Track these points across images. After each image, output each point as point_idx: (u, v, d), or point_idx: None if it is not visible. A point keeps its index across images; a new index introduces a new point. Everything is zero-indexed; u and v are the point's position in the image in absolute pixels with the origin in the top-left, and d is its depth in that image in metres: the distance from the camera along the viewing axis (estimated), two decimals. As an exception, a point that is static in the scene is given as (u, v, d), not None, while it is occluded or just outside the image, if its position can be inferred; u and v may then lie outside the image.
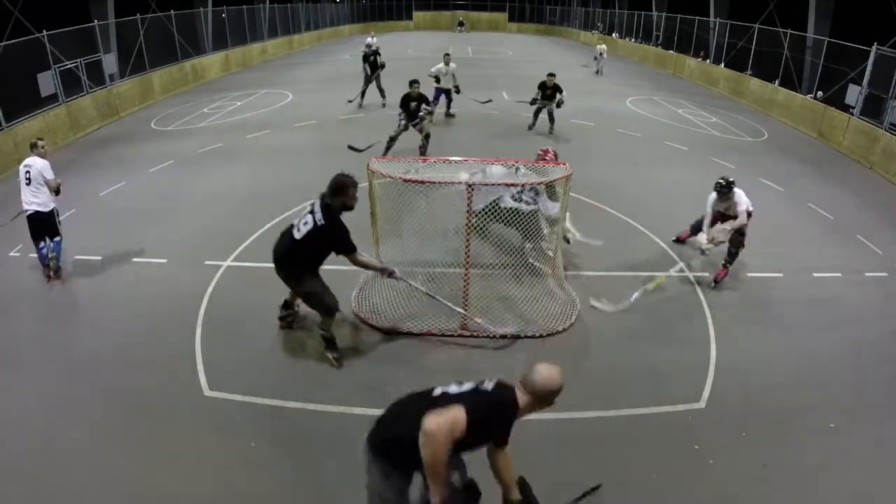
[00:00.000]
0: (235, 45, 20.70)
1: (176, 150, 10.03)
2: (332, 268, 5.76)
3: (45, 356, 4.60)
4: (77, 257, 6.20)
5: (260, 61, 22.13)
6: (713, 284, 5.78)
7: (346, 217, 4.19)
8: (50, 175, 5.65)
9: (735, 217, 5.68)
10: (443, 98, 11.76)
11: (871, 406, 4.29)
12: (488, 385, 2.53)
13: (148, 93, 14.34)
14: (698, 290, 5.79)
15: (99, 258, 6.18)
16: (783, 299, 5.71)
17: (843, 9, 15.63)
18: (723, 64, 18.84)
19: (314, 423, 3.93)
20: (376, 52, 13.01)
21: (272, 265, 4.36)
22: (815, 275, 6.20)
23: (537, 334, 4.86)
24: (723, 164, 9.79)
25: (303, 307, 4.82)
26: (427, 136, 9.07)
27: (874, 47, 11.52)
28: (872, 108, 11.75)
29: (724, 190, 5.65)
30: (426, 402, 2.44)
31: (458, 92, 11.86)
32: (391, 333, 4.85)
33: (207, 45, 19.33)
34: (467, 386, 2.54)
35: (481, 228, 5.25)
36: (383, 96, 13.04)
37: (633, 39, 27.61)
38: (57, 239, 5.80)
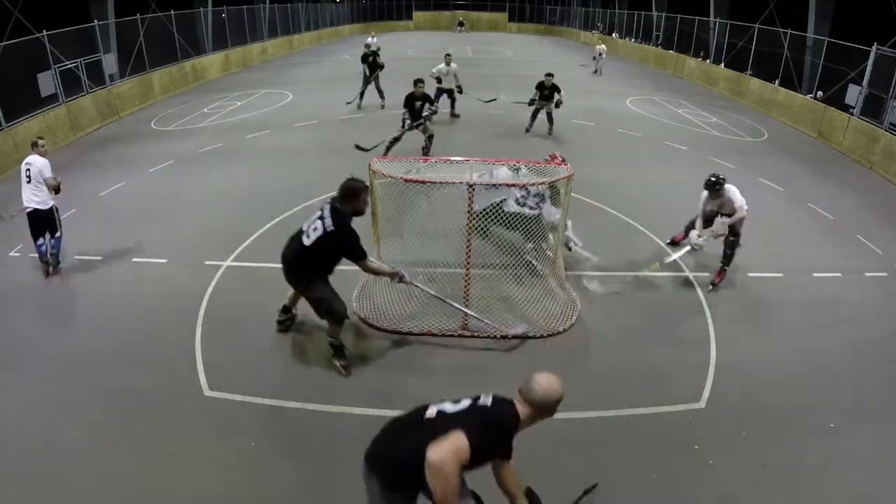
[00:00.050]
0: (235, 45, 20.70)
1: (176, 150, 10.03)
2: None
3: (45, 356, 4.60)
4: (77, 257, 6.20)
5: (260, 61, 22.13)
6: (710, 288, 5.75)
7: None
8: (49, 173, 5.71)
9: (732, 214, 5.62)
10: (444, 98, 11.71)
11: (871, 406, 4.29)
12: (486, 400, 2.45)
13: (148, 93, 14.34)
14: (698, 290, 5.79)
15: (99, 258, 6.18)
16: (783, 299, 5.71)
17: (843, 9, 15.63)
18: (723, 64, 18.83)
19: (314, 423, 3.93)
20: (375, 53, 12.92)
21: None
22: (815, 275, 6.20)
23: (538, 335, 4.86)
24: (723, 164, 9.78)
25: (302, 310, 4.80)
26: (430, 137, 9.05)
27: (874, 47, 11.52)
28: (872, 108, 11.75)
29: (716, 187, 5.58)
30: (422, 425, 2.38)
31: (461, 92, 11.85)
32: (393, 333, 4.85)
33: (207, 45, 19.33)
34: (464, 403, 2.45)
35: (483, 230, 5.25)
36: (382, 97, 12.97)
37: (633, 39, 27.61)
38: (57, 235, 5.89)
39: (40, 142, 5.88)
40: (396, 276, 4.36)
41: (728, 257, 5.75)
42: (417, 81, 9.19)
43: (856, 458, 3.79)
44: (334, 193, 4.16)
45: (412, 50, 25.81)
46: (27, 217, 5.76)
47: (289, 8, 26.42)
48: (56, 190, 5.77)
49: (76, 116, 11.32)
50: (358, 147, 8.23)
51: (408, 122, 8.93)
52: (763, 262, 6.34)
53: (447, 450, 2.18)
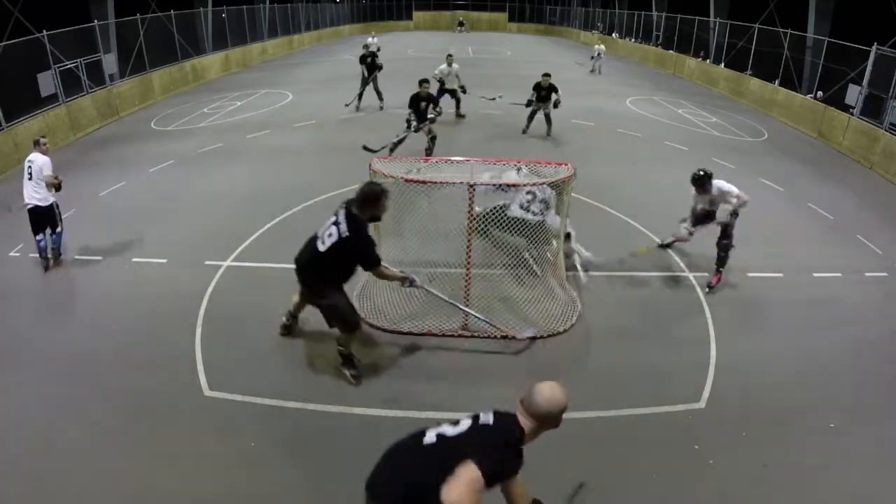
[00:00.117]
0: (235, 45, 20.70)
1: (176, 150, 10.03)
2: (332, 268, 5.78)
3: (45, 356, 4.60)
4: (77, 257, 6.20)
5: (260, 61, 22.14)
6: (707, 290, 5.72)
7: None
8: (49, 172, 5.81)
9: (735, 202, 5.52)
10: (447, 98, 11.66)
11: (871, 406, 4.29)
12: (487, 418, 2.33)
13: (148, 93, 14.35)
14: (698, 290, 5.79)
15: (99, 258, 6.18)
16: (783, 299, 5.71)
17: (843, 9, 15.63)
18: (723, 64, 18.83)
19: (314, 423, 3.94)
20: (374, 54, 12.79)
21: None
22: (815, 275, 6.20)
23: (538, 335, 4.86)
24: (723, 164, 9.78)
25: (303, 315, 4.78)
26: (433, 139, 9.03)
27: (874, 47, 11.52)
28: (872, 108, 11.75)
29: (703, 180, 5.51)
30: (423, 453, 2.26)
31: (464, 91, 11.85)
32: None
33: (207, 45, 19.33)
34: (464, 424, 2.31)
35: (483, 231, 5.26)
36: (381, 99, 12.89)
37: (633, 39, 27.61)
38: (58, 231, 6.00)
39: (42, 140, 5.98)
40: (407, 281, 4.25)
41: (722, 259, 5.72)
42: (423, 82, 9.14)
43: (856, 458, 3.79)
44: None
45: (412, 50, 25.81)
46: (28, 213, 5.85)
47: (289, 8, 26.42)
48: (56, 188, 5.87)
49: (76, 116, 11.32)
50: (366, 148, 8.23)
51: (413, 123, 8.88)
52: (763, 262, 6.34)
53: (463, 489, 2.06)
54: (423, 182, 4.63)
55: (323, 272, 4.00)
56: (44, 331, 4.98)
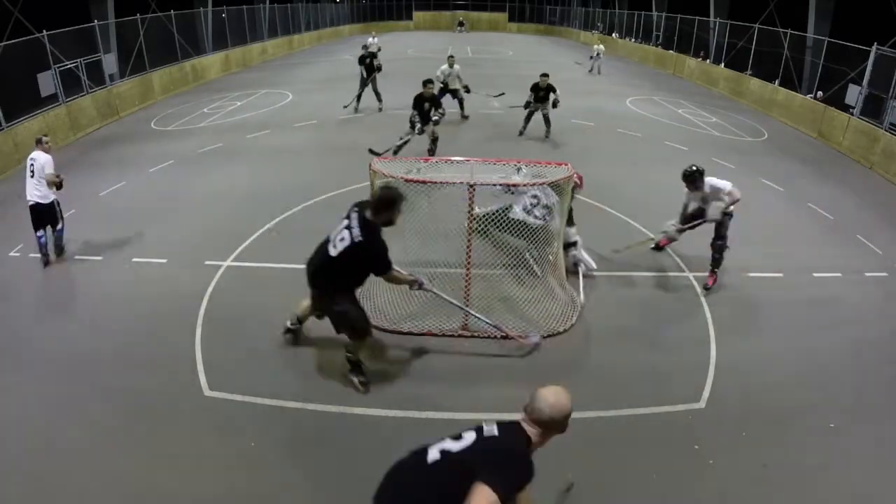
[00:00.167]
0: (235, 45, 20.71)
1: (176, 150, 10.04)
2: (332, 268, 5.77)
3: (45, 356, 4.60)
4: (77, 257, 6.21)
5: (260, 61, 22.14)
6: (704, 291, 5.70)
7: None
8: (50, 170, 5.89)
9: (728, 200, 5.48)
10: (449, 98, 11.63)
11: (871, 406, 4.29)
12: (491, 429, 2.22)
13: (148, 93, 14.35)
14: (698, 290, 5.79)
15: (99, 258, 6.18)
16: (783, 299, 5.70)
17: (843, 9, 15.63)
18: (723, 64, 18.84)
19: (314, 423, 3.94)
20: (372, 55, 12.70)
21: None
22: (815, 275, 6.20)
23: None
24: (723, 164, 9.78)
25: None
26: (435, 140, 9.02)
27: (874, 47, 11.52)
28: (872, 108, 11.75)
29: (695, 176, 5.47)
30: (429, 471, 2.16)
31: (468, 91, 11.86)
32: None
33: (207, 45, 19.34)
34: (468, 438, 2.21)
35: (483, 232, 5.26)
36: (379, 100, 12.82)
37: (633, 39, 27.62)
38: (59, 227, 6.10)
39: (44, 139, 6.08)
40: (416, 284, 4.18)
41: (716, 260, 5.69)
42: (427, 82, 9.10)
43: (856, 458, 3.79)
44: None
45: (412, 50, 25.83)
46: (29, 210, 5.93)
47: (289, 8, 26.43)
48: (57, 186, 5.95)
49: (76, 116, 11.32)
50: (372, 151, 8.22)
51: (418, 124, 8.86)
52: (763, 262, 6.34)
53: None
54: (423, 182, 4.63)
55: (334, 277, 3.88)
56: (44, 331, 4.98)
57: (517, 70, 19.93)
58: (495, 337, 4.79)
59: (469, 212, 4.64)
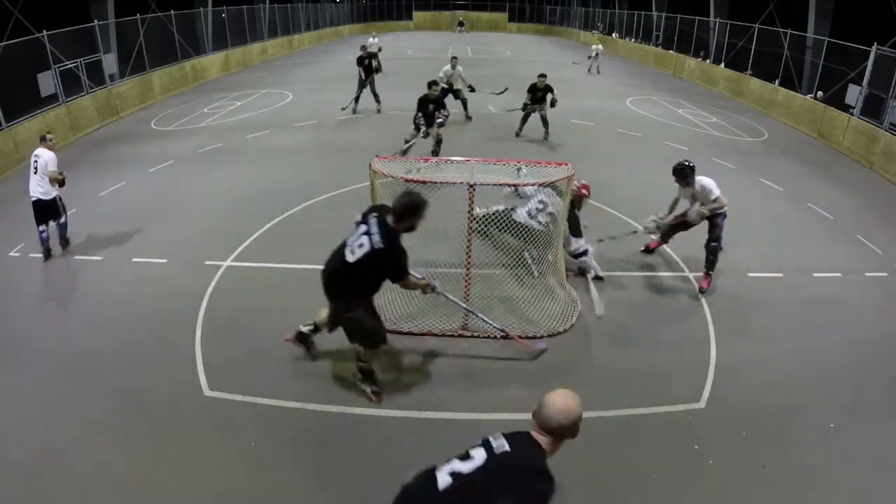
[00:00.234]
0: (235, 45, 20.71)
1: (176, 150, 10.04)
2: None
3: (45, 356, 4.60)
4: (77, 257, 6.21)
5: (260, 61, 22.14)
6: (700, 294, 5.65)
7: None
8: (53, 167, 5.99)
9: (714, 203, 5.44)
10: (450, 99, 11.60)
11: (871, 406, 4.29)
12: (501, 444, 2.06)
13: (148, 93, 14.35)
14: (698, 289, 5.78)
15: (99, 258, 6.18)
16: (783, 299, 5.70)
17: (843, 9, 15.63)
18: (723, 64, 18.84)
19: (314, 423, 3.93)
20: (371, 56, 12.60)
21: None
22: (815, 275, 6.20)
23: (538, 335, 4.86)
24: (723, 164, 9.79)
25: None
26: (440, 141, 9.01)
27: (874, 47, 11.52)
28: (872, 108, 11.75)
29: (683, 172, 5.44)
30: (441, 498, 2.00)
31: (472, 90, 11.87)
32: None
33: (207, 45, 19.34)
34: (478, 456, 2.04)
35: (484, 233, 5.27)
36: (378, 101, 12.72)
37: (633, 39, 27.62)
38: (61, 221, 6.21)
39: (48, 136, 6.21)
40: (429, 288, 4.06)
41: (710, 262, 5.64)
42: (431, 83, 9.06)
43: (856, 458, 3.79)
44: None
45: (412, 50, 25.83)
46: (32, 205, 6.02)
47: (289, 8, 26.43)
48: (60, 183, 6.05)
49: (76, 116, 11.32)
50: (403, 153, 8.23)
51: (422, 126, 8.84)
52: (763, 262, 6.34)
53: None
54: (423, 182, 4.63)
55: (350, 283, 3.76)
56: (44, 331, 4.98)
57: (517, 70, 19.92)
58: (495, 337, 4.79)
59: (469, 212, 4.63)
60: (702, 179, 5.48)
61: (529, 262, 5.51)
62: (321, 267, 3.91)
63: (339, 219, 6.65)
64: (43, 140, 6.13)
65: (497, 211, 5.41)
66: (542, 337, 4.86)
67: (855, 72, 12.49)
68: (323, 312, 4.22)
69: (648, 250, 6.39)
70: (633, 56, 26.07)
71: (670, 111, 14.45)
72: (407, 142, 8.77)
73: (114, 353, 4.62)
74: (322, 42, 30.00)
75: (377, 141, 8.68)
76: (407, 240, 5.11)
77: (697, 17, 21.29)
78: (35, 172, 5.97)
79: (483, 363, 4.58)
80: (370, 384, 4.13)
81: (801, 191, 8.84)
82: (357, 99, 12.67)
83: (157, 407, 4.05)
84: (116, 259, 6.14)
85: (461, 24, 38.26)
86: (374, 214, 3.70)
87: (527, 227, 5.29)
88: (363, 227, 3.67)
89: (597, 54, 20.33)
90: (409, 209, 3.60)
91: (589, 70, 20.49)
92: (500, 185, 4.99)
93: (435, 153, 8.93)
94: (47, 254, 6.12)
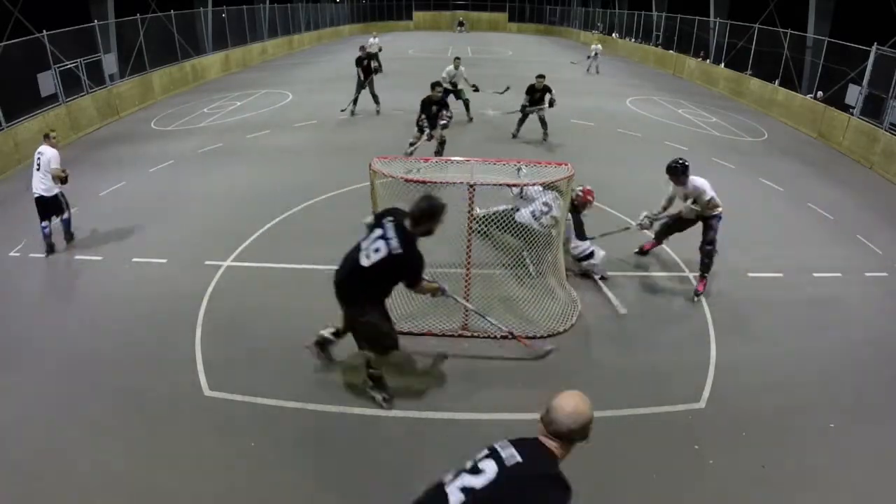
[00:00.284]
0: (235, 45, 20.70)
1: (176, 150, 10.04)
2: (330, 268, 5.78)
3: (45, 356, 4.60)
4: (77, 257, 6.21)
5: (260, 61, 22.14)
6: (695, 299, 5.57)
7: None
8: (56, 165, 6.10)
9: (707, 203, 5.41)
10: (451, 99, 11.56)
11: (871, 406, 4.29)
12: (510, 454, 1.96)
13: (148, 93, 14.35)
14: (698, 290, 5.79)
15: (99, 258, 6.18)
16: (783, 299, 5.70)
17: (843, 9, 15.64)
18: (723, 64, 18.84)
19: (314, 423, 3.93)
20: (370, 56, 12.48)
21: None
22: (815, 275, 6.20)
23: (538, 335, 4.86)
24: (723, 164, 9.79)
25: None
26: (443, 143, 9.00)
27: (874, 47, 11.52)
28: (872, 108, 11.75)
29: (676, 171, 5.42)
30: None
31: (476, 90, 11.87)
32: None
33: (207, 45, 19.34)
34: (489, 469, 1.94)
35: (484, 233, 5.27)
36: (377, 103, 12.61)
37: (633, 39, 27.62)
38: (65, 217, 6.32)
39: (52, 134, 6.33)
40: (439, 291, 4.00)
41: (706, 265, 5.60)
42: (435, 85, 9.01)
43: (856, 458, 3.79)
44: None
45: (412, 50, 25.83)
46: (35, 202, 6.12)
47: (289, 8, 26.43)
48: (62, 181, 6.15)
49: (76, 116, 11.32)
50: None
51: (426, 128, 8.82)
52: (763, 262, 6.34)
53: None
54: (423, 182, 4.63)
55: (365, 287, 3.69)
56: (44, 331, 4.98)
57: (517, 70, 19.92)
58: (495, 337, 4.79)
59: (469, 212, 4.63)
60: (695, 180, 5.45)
61: (528, 262, 5.51)
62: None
63: (339, 219, 6.73)
64: (46, 137, 6.22)
65: (498, 211, 5.42)
66: (545, 337, 4.86)
67: (855, 72, 12.50)
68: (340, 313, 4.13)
69: (643, 252, 6.34)
70: (633, 56, 26.07)
71: (670, 111, 14.46)
72: (412, 144, 8.75)
73: (114, 353, 4.62)
74: (322, 42, 30.00)
75: (377, 141, 8.67)
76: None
77: (697, 17, 21.30)
78: (38, 169, 6.07)
79: (483, 363, 4.58)
80: (381, 391, 4.09)
81: (801, 191, 8.84)
82: (355, 101, 12.54)
83: (157, 407, 4.05)
84: (116, 259, 6.14)
85: (461, 24, 38.25)
86: (390, 218, 3.62)
87: (529, 227, 5.29)
88: (378, 231, 3.60)
89: (596, 54, 20.33)
90: (427, 213, 3.54)
91: (588, 70, 20.50)
92: (500, 185, 4.99)
93: (438, 154, 8.92)
94: (50, 249, 6.19)
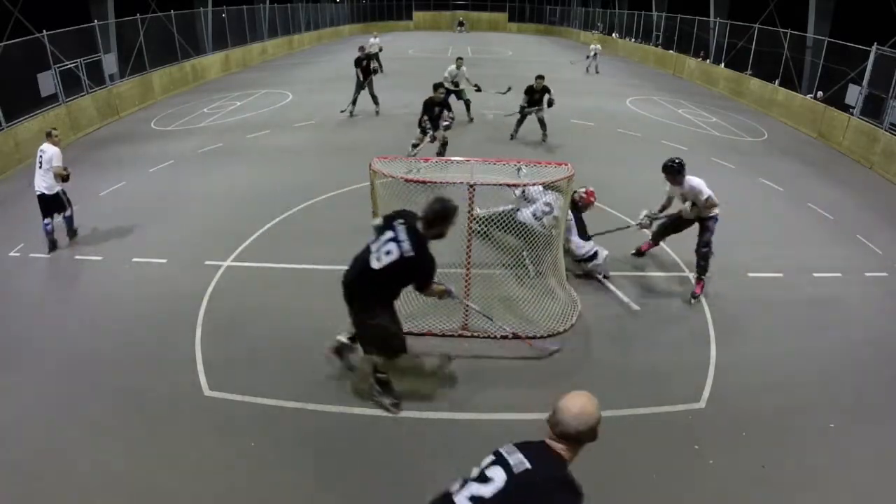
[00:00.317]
0: (235, 45, 20.71)
1: (176, 150, 10.04)
2: (330, 268, 5.78)
3: (45, 356, 4.60)
4: (77, 257, 6.21)
5: (260, 61, 22.14)
6: (692, 301, 5.55)
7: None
8: (58, 163, 6.16)
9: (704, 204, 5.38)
10: (452, 99, 11.54)
11: (871, 406, 4.29)
12: (518, 460, 1.90)
13: (148, 93, 14.35)
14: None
15: (99, 258, 6.18)
16: (783, 299, 5.70)
17: (843, 9, 15.64)
18: (723, 64, 18.84)
19: (314, 423, 3.93)
20: (369, 57, 12.41)
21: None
22: (815, 275, 6.20)
23: (538, 335, 4.86)
24: (723, 164, 9.80)
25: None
26: (445, 144, 9.00)
27: (874, 47, 11.52)
28: (872, 108, 11.75)
29: (671, 170, 5.40)
30: None
31: (478, 90, 11.89)
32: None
33: (207, 45, 19.34)
34: (498, 478, 1.88)
35: (484, 234, 5.26)
36: (376, 104, 12.56)
37: (633, 39, 27.62)
38: (67, 214, 6.38)
39: (54, 132, 6.41)
40: (447, 294, 3.96)
41: (702, 268, 5.57)
42: (437, 86, 8.99)
43: (856, 458, 3.79)
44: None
45: (412, 50, 25.83)
46: (37, 199, 6.17)
47: (289, 8, 26.43)
48: (64, 179, 6.21)
49: (76, 116, 11.32)
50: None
51: (429, 130, 8.82)
52: (763, 262, 6.34)
53: None
54: (423, 182, 4.63)
55: (375, 290, 3.64)
56: (44, 331, 4.98)
57: (517, 70, 19.92)
58: (495, 337, 4.79)
59: (469, 212, 4.63)
60: (690, 180, 5.41)
61: (528, 263, 5.51)
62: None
63: (339, 219, 6.74)
64: (49, 136, 6.28)
65: (499, 211, 5.42)
66: (548, 337, 4.86)
67: (855, 72, 12.50)
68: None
69: (639, 253, 6.31)
70: (633, 56, 26.07)
71: (670, 111, 14.46)
72: (415, 146, 8.75)
73: (114, 353, 4.62)
74: (322, 42, 30.00)
75: (377, 141, 8.67)
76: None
77: (697, 17, 21.30)
78: (40, 167, 6.13)
79: (483, 363, 4.58)
80: (388, 395, 4.05)
81: (801, 191, 8.84)
82: (354, 102, 12.45)
83: (157, 407, 4.05)
84: (116, 259, 6.14)
85: (461, 24, 38.26)
86: (401, 221, 3.58)
87: (530, 227, 5.29)
88: (389, 234, 3.55)
89: (595, 54, 20.34)
90: (441, 216, 3.51)
91: (587, 70, 20.51)
92: (500, 185, 4.99)
93: (440, 155, 8.91)
94: (52, 246, 6.24)
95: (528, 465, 1.88)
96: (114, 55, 14.22)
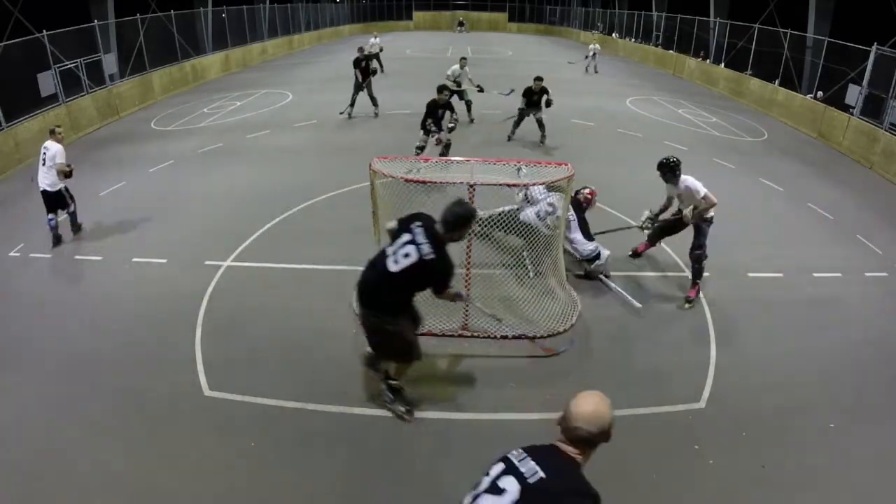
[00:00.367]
0: (235, 45, 20.70)
1: (176, 150, 10.04)
2: (330, 268, 5.79)
3: (45, 356, 4.60)
4: (77, 257, 6.21)
5: (260, 61, 22.14)
6: (686, 306, 5.50)
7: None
8: (61, 160, 6.28)
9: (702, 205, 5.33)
10: (454, 99, 11.50)
11: (871, 406, 4.29)
12: (531, 468, 1.84)
13: (148, 93, 14.35)
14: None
15: (99, 258, 6.18)
16: (783, 299, 5.70)
17: (843, 9, 15.64)
18: (723, 64, 18.84)
19: (314, 423, 3.93)
20: (368, 58, 12.31)
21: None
22: (815, 275, 6.20)
23: (538, 335, 4.86)
24: (723, 164, 9.80)
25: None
26: (448, 146, 8.98)
27: (874, 47, 11.52)
28: (872, 108, 11.75)
29: (665, 169, 5.39)
30: None
31: (481, 90, 11.89)
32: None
33: (207, 45, 19.34)
34: (511, 489, 1.81)
35: (484, 235, 5.26)
36: (375, 105, 12.44)
37: (633, 39, 27.62)
38: (70, 210, 6.50)
39: (57, 129, 6.50)
40: (458, 297, 3.89)
41: (697, 271, 5.53)
42: (441, 88, 8.92)
43: (856, 458, 3.79)
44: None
45: (412, 50, 25.83)
46: (41, 195, 6.31)
47: (289, 8, 26.43)
48: (67, 175, 6.32)
49: (76, 116, 11.32)
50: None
51: (433, 131, 8.79)
52: (763, 262, 6.34)
53: None
54: (424, 182, 4.63)
55: (392, 293, 3.57)
56: (44, 331, 4.98)
57: (518, 70, 19.91)
58: (495, 337, 4.79)
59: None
60: (686, 179, 5.38)
61: (528, 263, 5.51)
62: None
63: (339, 219, 6.74)
64: (52, 133, 6.37)
65: (500, 212, 5.41)
66: (550, 337, 4.87)
67: (855, 72, 12.50)
68: None
69: (636, 254, 6.29)
70: (633, 56, 26.07)
71: (670, 111, 14.45)
72: (419, 148, 8.74)
73: (114, 353, 4.62)
74: (322, 42, 30.00)
75: (377, 141, 8.67)
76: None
77: (697, 17, 21.30)
78: (43, 164, 6.24)
79: (483, 363, 4.58)
80: (402, 402, 4.00)
81: (801, 191, 8.84)
82: (352, 103, 12.33)
83: (157, 407, 4.05)
84: (116, 259, 6.14)
85: (461, 24, 38.26)
86: (419, 223, 3.51)
87: (533, 227, 5.28)
88: (406, 237, 3.49)
89: (594, 54, 20.33)
90: (462, 219, 3.47)
91: (587, 70, 20.50)
92: (500, 185, 4.99)
93: (443, 156, 8.90)
94: (57, 240, 6.36)
95: (542, 474, 1.81)
96: (114, 55, 14.22)
